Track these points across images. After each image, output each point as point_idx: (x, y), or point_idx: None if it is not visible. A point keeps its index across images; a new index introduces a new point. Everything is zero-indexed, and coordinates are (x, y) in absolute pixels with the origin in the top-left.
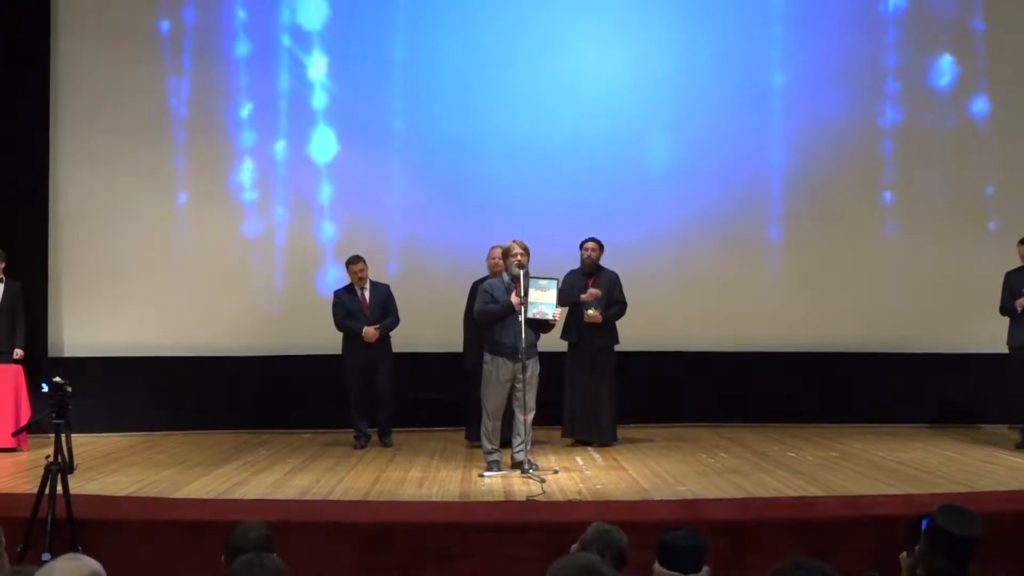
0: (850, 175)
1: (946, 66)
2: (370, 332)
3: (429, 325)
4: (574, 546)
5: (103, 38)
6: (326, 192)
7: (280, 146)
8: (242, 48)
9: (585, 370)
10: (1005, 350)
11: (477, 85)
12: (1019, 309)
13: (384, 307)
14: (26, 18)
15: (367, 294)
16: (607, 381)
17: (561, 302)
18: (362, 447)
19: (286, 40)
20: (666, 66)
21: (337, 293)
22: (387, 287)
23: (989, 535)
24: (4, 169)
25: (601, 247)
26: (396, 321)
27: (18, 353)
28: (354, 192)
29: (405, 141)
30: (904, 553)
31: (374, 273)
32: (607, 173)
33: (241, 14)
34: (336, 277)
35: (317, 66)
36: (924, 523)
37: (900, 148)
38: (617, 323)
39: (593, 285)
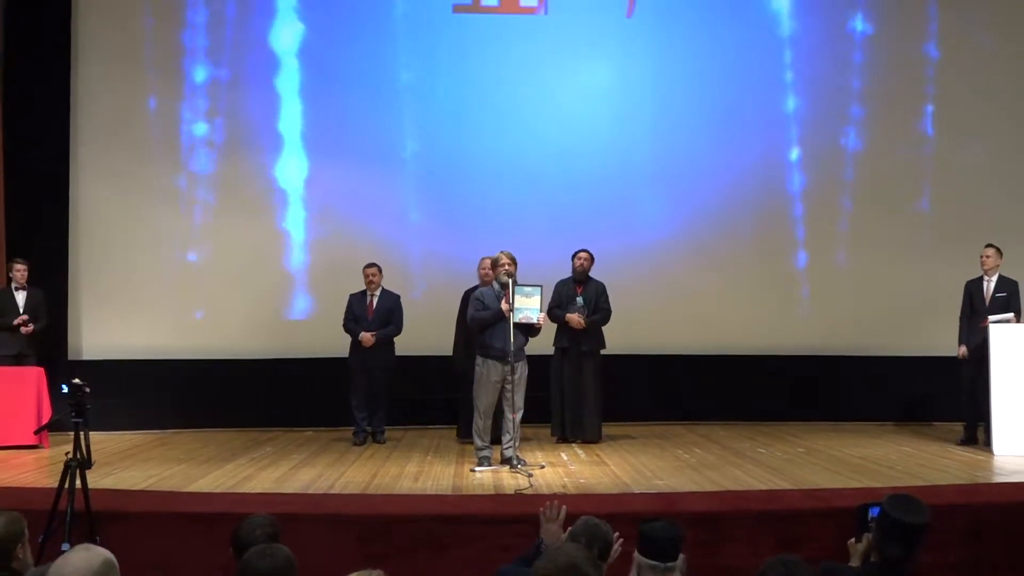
0: (816, 192)
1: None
2: (366, 337)
3: (424, 330)
4: (564, 535)
5: (116, 64)
6: (325, 205)
7: (280, 162)
8: (242, 68)
9: (573, 372)
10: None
11: (468, 107)
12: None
13: (388, 315)
14: (49, 47)
15: (375, 300)
16: (593, 382)
17: (551, 320)
18: (361, 444)
19: (289, 58)
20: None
21: (351, 296)
22: (397, 297)
23: (943, 526)
24: (29, 185)
25: (592, 258)
26: (397, 330)
27: (24, 323)
28: (351, 206)
29: (405, 161)
30: (852, 539)
31: (388, 284)
32: (592, 188)
33: (236, 37)
34: (333, 287)
35: (312, 86)
36: (872, 511)
37: (859, 170)
38: (603, 328)
39: (582, 294)
